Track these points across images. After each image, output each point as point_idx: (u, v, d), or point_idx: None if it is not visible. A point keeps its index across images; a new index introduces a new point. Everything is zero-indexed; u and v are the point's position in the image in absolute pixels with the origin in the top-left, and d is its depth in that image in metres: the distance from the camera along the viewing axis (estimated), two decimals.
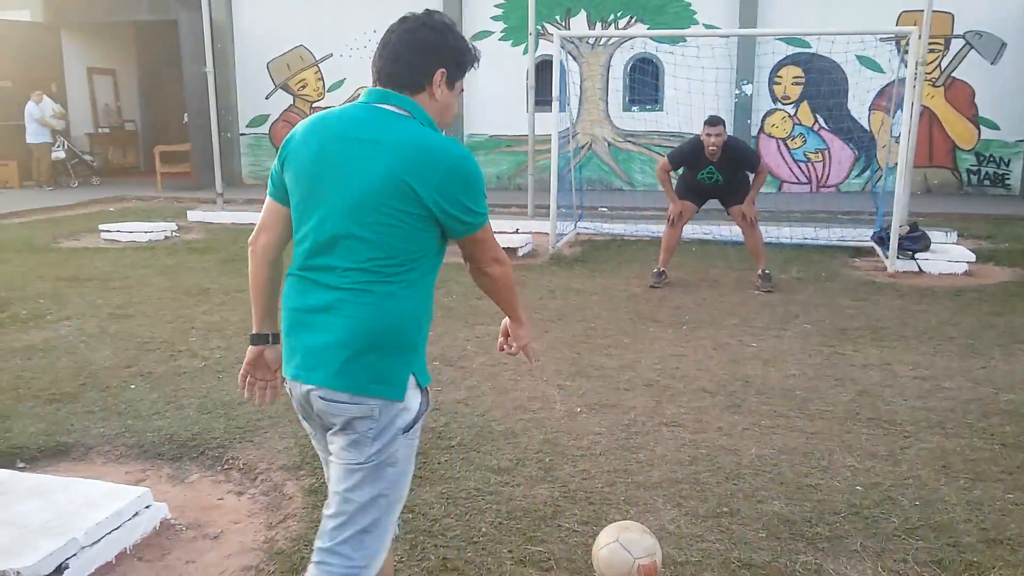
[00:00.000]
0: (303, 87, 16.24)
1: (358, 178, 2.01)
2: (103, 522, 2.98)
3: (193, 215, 11.98)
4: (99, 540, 2.95)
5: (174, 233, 10.53)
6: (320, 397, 2.05)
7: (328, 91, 16.07)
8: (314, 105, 16.18)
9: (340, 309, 2.03)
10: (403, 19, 2.13)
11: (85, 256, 9.04)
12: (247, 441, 4.06)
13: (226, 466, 3.84)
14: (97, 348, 5.58)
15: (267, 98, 16.40)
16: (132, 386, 4.85)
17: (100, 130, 18.05)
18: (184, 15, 14.98)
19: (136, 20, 17.06)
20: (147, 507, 3.20)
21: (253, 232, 2.27)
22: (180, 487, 3.65)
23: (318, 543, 2.10)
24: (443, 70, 2.11)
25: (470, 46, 2.18)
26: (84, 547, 2.88)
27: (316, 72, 16.11)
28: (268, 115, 16.48)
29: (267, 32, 16.06)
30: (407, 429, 2.08)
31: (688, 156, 7.26)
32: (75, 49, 17.24)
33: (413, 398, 2.09)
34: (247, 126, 16.62)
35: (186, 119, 16.13)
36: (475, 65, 2.21)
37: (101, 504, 3.08)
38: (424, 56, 2.09)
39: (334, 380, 2.03)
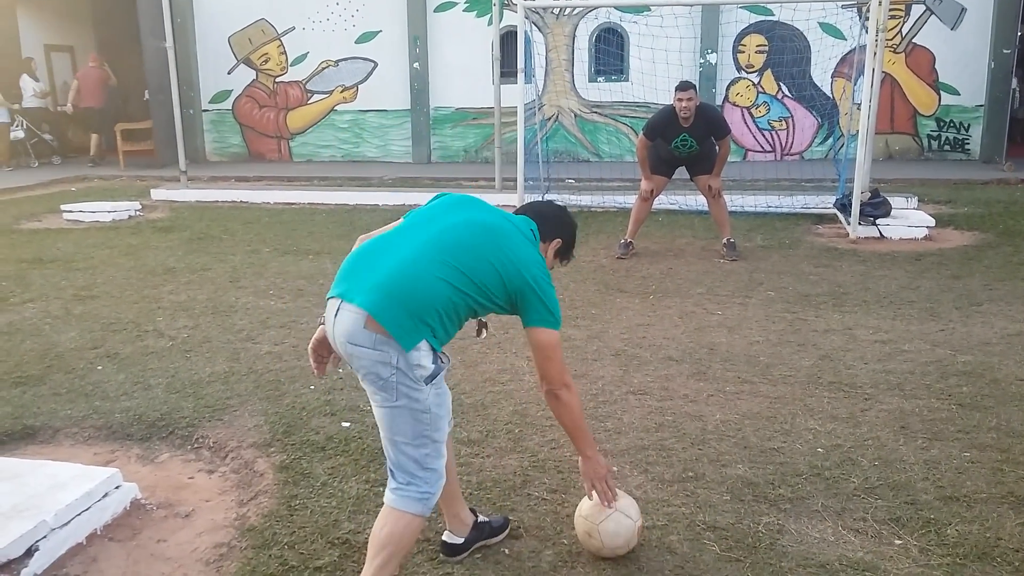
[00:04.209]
0: (266, 61, 16.02)
1: None
2: (73, 504, 2.98)
3: (157, 194, 11.84)
4: (69, 522, 2.95)
5: (138, 212, 10.40)
6: None
7: (291, 65, 15.87)
8: (277, 80, 15.99)
9: None
10: None
11: (48, 237, 8.93)
12: (217, 420, 4.07)
13: (196, 445, 3.85)
14: (62, 330, 5.54)
15: (229, 73, 16.16)
16: (99, 367, 4.82)
17: (59, 108, 17.71)
18: None
19: None
20: (117, 488, 3.20)
21: None
22: (150, 467, 3.66)
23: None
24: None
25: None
26: (54, 529, 2.89)
27: (279, 46, 15.89)
28: (231, 91, 16.25)
29: (227, 5, 15.80)
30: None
31: (661, 125, 7.25)
32: (32, 26, 16.86)
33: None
34: (210, 102, 16.39)
35: (147, 96, 15.88)
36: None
37: (70, 486, 3.08)
38: None
39: None
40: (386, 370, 2.34)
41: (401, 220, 2.66)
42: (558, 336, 2.53)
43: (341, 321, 2.38)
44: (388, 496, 2.46)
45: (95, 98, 15.81)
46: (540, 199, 10.11)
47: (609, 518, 2.77)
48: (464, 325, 2.55)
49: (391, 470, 2.47)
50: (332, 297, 2.45)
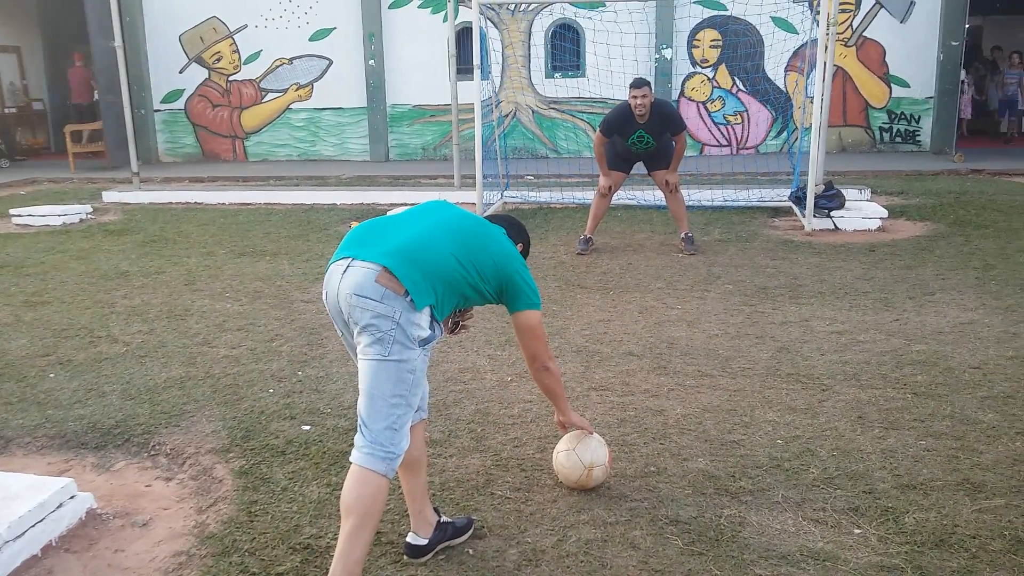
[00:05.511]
0: (218, 60, 15.81)
1: None
2: (26, 515, 2.91)
3: (108, 196, 11.63)
4: (23, 533, 2.88)
5: (89, 215, 10.21)
6: None
7: (244, 63, 15.69)
8: (230, 79, 15.78)
9: None
10: None
11: None
12: (173, 426, 4.00)
13: (152, 452, 3.78)
14: (12, 337, 5.41)
15: (181, 72, 15.93)
16: (51, 375, 4.72)
17: (6, 110, 17.33)
18: None
19: None
20: (72, 497, 3.14)
21: None
22: (105, 476, 3.59)
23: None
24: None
25: None
26: (7, 541, 2.82)
27: (231, 44, 15.70)
28: (183, 90, 16.03)
29: (178, 3, 15.57)
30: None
31: (617, 122, 7.28)
32: None
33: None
34: (161, 102, 16.15)
35: (96, 96, 15.60)
36: None
37: (24, 496, 3.01)
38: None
39: None
40: (387, 323, 2.48)
41: (393, 213, 2.86)
42: (541, 315, 2.83)
43: (351, 275, 2.53)
44: (355, 455, 2.55)
45: (84, 95, 16.72)
46: (500, 196, 10.12)
47: (586, 442, 3.23)
48: (449, 315, 2.75)
49: (361, 428, 2.56)
50: (339, 259, 2.60)
